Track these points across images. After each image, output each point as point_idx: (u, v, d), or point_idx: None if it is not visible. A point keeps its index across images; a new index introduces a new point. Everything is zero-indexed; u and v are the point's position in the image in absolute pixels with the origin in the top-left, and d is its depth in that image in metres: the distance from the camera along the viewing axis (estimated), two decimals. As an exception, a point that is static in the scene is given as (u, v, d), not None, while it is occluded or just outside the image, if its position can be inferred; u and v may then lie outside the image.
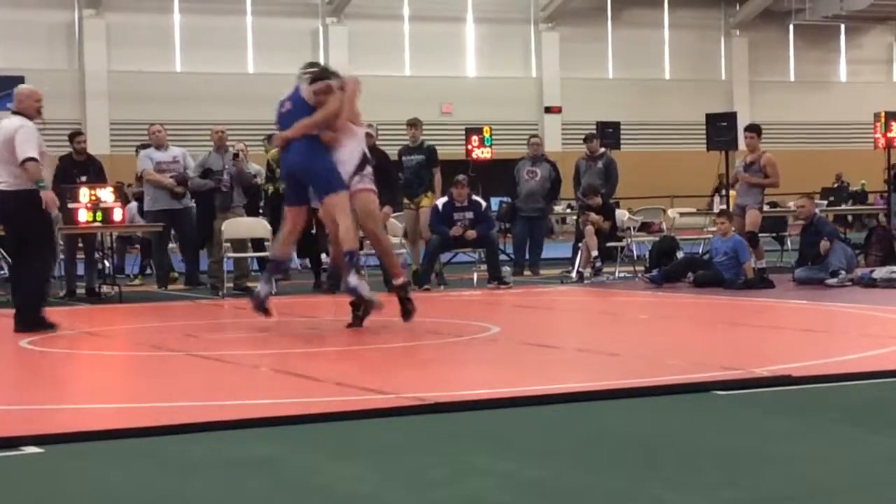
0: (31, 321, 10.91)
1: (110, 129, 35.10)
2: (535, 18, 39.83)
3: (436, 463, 5.41)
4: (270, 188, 16.19)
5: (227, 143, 16.28)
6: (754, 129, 16.37)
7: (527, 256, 18.25)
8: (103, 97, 35.93)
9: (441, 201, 16.06)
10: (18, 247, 11.05)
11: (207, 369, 8.66)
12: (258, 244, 15.84)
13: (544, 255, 18.73)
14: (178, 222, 16.30)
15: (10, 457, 5.55)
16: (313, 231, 14.86)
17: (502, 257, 17.69)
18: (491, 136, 24.24)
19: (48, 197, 10.86)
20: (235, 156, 15.88)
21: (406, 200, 16.47)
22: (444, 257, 17.04)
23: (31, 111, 11.14)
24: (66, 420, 6.45)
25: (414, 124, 16.95)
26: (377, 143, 15.58)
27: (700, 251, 18.46)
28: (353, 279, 10.78)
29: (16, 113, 11.14)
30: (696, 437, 5.99)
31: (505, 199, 19.99)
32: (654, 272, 15.56)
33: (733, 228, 15.28)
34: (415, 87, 37.75)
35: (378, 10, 38.45)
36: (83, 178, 15.05)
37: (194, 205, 16.23)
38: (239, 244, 15.68)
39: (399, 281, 11.40)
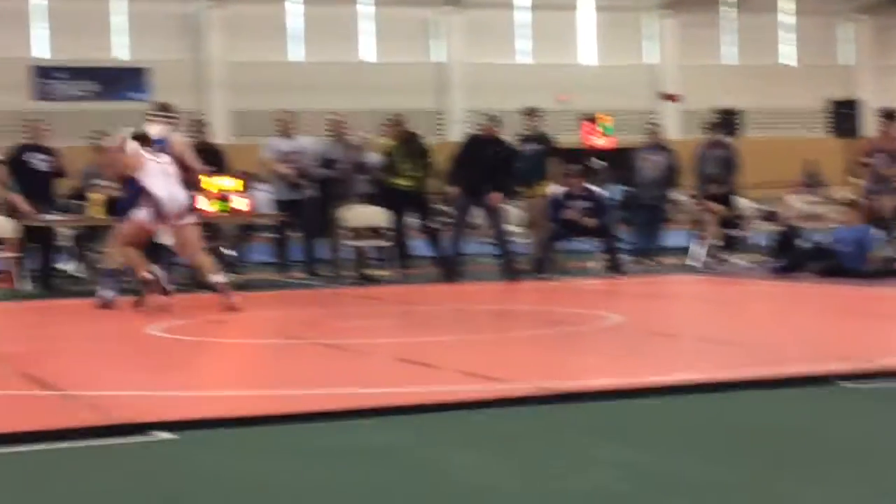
0: None
1: (230, 117, 35.55)
2: (654, 5, 39.52)
3: (556, 453, 5.42)
4: (389, 179, 16.24)
5: (346, 132, 16.42)
6: (890, 116, 15.92)
7: (645, 245, 18.17)
8: (223, 87, 36.41)
9: (557, 190, 16.07)
10: None
11: (330, 357, 8.76)
12: (377, 232, 15.98)
13: (663, 243, 18.61)
14: (298, 211, 16.48)
15: (142, 442, 5.68)
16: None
17: (620, 246, 17.63)
18: (610, 125, 24.13)
19: None
20: (355, 145, 16.02)
21: (524, 189, 16.49)
22: (562, 246, 17.00)
23: None
24: (196, 406, 6.56)
25: (530, 113, 16.96)
26: (499, 132, 15.65)
27: (823, 240, 18.20)
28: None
29: None
30: (823, 430, 5.91)
31: (623, 187, 19.90)
32: (776, 261, 15.39)
33: (859, 217, 15.03)
34: (531, 75, 37.68)
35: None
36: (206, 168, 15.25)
37: (315, 194, 16.40)
38: (358, 232, 15.82)
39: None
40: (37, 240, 15.43)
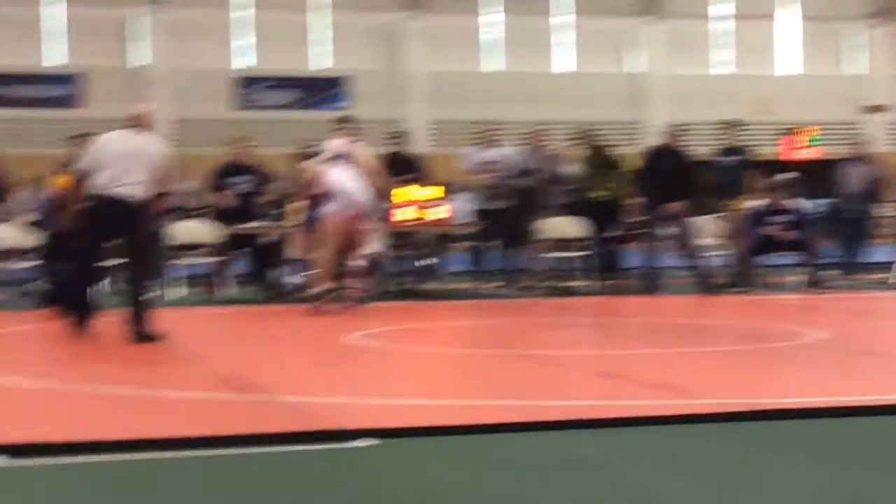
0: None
1: (429, 128, 35.89)
2: (861, 14, 38.61)
3: (756, 473, 5.34)
4: (585, 190, 16.17)
5: (544, 143, 16.44)
6: None
7: (849, 259, 17.75)
8: (421, 97, 36.79)
9: (757, 203, 15.83)
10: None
11: (527, 368, 8.77)
12: (573, 244, 15.96)
13: (867, 258, 18.15)
14: (496, 221, 16.52)
15: (347, 448, 5.78)
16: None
17: (822, 260, 17.26)
18: (816, 135, 23.62)
19: None
20: (552, 156, 16.04)
21: (722, 202, 16.31)
22: (761, 261, 16.70)
23: None
24: (397, 414, 6.64)
25: (729, 125, 16.77)
26: (676, 143, 15.54)
27: None
28: None
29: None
30: None
31: (827, 200, 19.49)
32: None
33: None
34: (729, 86, 37.17)
35: (697, 8, 38.03)
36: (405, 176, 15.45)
37: (512, 204, 16.47)
38: (557, 243, 15.83)
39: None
40: (240, 246, 15.81)
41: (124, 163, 10.73)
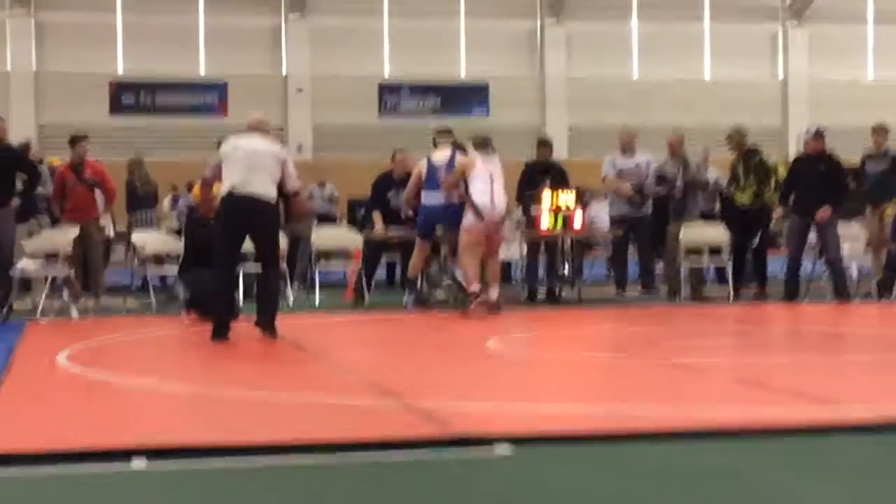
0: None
1: (568, 134, 35.83)
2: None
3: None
4: (733, 194, 15.92)
5: (684, 149, 16.28)
6: None
7: None
8: (562, 103, 36.76)
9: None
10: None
11: (667, 375, 8.70)
12: (714, 251, 15.78)
13: None
14: (636, 229, 16.41)
15: (482, 456, 5.78)
16: None
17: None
18: None
19: None
20: (693, 163, 15.88)
21: (870, 208, 16.01)
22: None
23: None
24: (535, 421, 6.63)
25: (877, 131, 16.43)
26: (826, 148, 15.26)
27: None
28: None
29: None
30: None
31: None
32: None
33: None
34: (877, 90, 36.50)
35: (842, 12, 37.41)
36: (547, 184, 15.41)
37: (650, 211, 16.36)
38: (695, 251, 15.67)
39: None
40: (380, 253, 15.94)
41: (249, 165, 11.09)
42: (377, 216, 15.63)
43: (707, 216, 16.27)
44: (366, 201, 16.79)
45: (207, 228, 13.00)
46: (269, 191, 11.10)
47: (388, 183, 16.00)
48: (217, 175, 11.41)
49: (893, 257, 15.31)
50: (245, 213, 11.01)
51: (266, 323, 11.05)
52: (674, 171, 16.00)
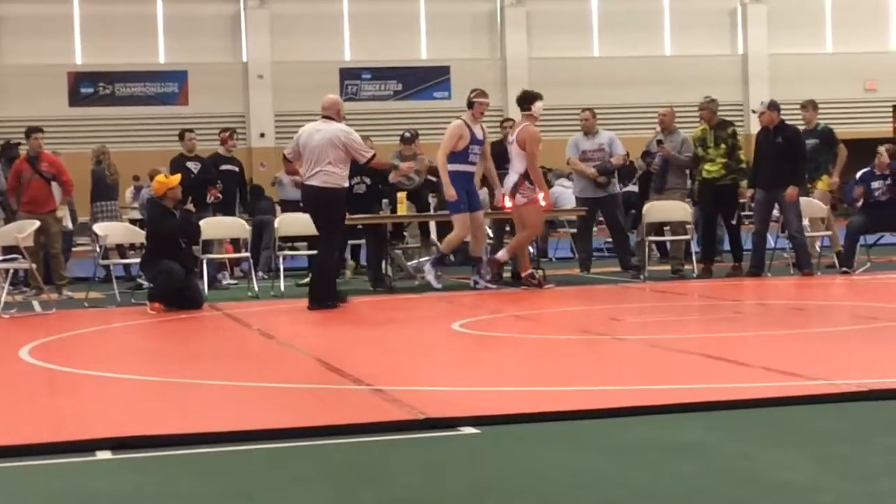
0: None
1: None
2: None
3: (872, 453, 5.25)
4: (700, 167, 15.82)
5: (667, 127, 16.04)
6: None
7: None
8: (524, 83, 36.74)
9: (861, 172, 15.51)
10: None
11: (634, 353, 8.73)
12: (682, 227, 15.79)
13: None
14: (603, 208, 16.34)
15: (449, 436, 5.78)
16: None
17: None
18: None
19: None
20: (660, 141, 15.81)
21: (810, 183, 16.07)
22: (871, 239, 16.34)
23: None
24: (500, 402, 6.63)
25: (806, 106, 16.54)
26: (779, 119, 15.21)
27: None
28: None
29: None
30: None
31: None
32: None
33: None
34: (837, 64, 36.64)
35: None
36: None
37: (616, 191, 16.33)
38: (663, 227, 15.67)
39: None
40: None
41: (317, 152, 12.10)
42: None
43: (680, 192, 16.07)
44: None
45: (170, 218, 12.96)
46: (327, 180, 12.10)
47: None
48: (296, 157, 12.54)
49: (850, 229, 15.31)
50: (309, 201, 12.53)
51: (312, 293, 12.45)
52: (672, 146, 15.77)
